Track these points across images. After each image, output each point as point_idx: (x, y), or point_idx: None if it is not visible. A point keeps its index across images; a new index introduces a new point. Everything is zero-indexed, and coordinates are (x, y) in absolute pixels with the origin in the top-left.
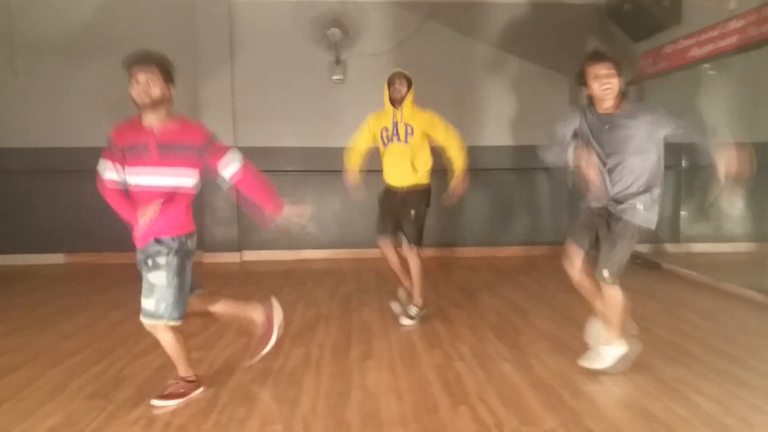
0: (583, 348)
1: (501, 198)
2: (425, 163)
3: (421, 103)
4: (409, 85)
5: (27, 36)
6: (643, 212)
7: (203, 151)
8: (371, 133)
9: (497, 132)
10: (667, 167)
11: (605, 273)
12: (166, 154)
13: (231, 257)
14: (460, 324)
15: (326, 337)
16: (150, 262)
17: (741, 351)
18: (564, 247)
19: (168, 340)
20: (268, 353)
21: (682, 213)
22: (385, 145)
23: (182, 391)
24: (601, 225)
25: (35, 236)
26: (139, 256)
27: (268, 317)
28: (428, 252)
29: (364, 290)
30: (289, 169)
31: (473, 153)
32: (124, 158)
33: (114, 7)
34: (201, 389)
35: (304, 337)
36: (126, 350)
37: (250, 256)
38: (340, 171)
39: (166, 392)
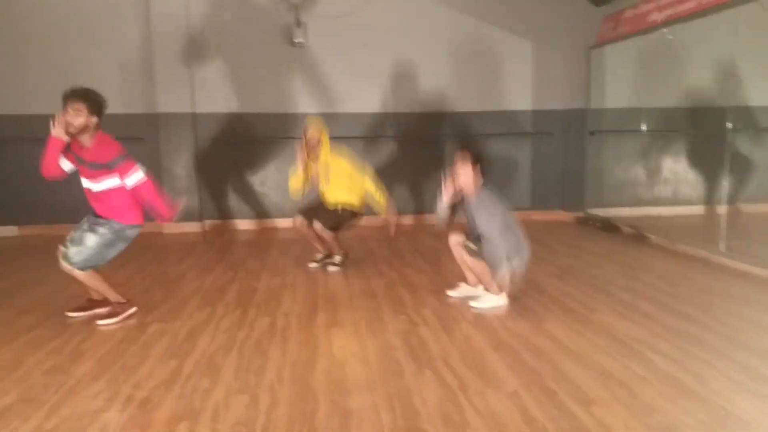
0: (544, 311)
1: None
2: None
3: (388, 66)
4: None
5: None
6: None
7: (113, 166)
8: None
9: (459, 97)
10: (627, 132)
11: None
12: (89, 168)
13: (192, 227)
14: (424, 290)
15: (292, 306)
16: (93, 226)
17: (694, 310)
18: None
19: (87, 277)
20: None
21: (641, 177)
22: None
23: (119, 310)
24: None
25: None
26: (88, 219)
27: (121, 306)
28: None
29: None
30: (249, 136)
31: (435, 119)
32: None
33: None
34: (134, 309)
35: (269, 307)
36: (84, 324)
37: (211, 225)
38: (300, 137)
39: (107, 313)
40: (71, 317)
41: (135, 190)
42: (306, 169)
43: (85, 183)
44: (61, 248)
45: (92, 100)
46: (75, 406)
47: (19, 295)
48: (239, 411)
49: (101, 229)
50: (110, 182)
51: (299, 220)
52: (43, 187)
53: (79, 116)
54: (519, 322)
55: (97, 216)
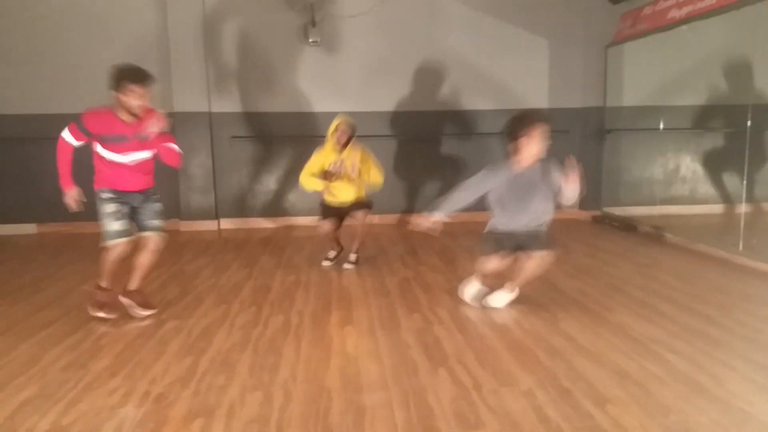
0: (559, 310)
1: (479, 163)
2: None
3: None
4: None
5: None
6: None
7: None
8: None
9: (476, 95)
10: (644, 130)
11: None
12: (139, 140)
13: (208, 225)
14: (438, 289)
15: (306, 304)
16: (152, 197)
17: (712, 310)
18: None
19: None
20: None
21: (659, 176)
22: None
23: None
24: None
25: (6, 207)
26: (136, 196)
27: (112, 299)
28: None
29: (342, 257)
30: (264, 135)
31: (452, 117)
32: (93, 140)
33: None
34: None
35: (284, 304)
36: (102, 320)
37: (227, 224)
38: (316, 136)
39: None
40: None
41: (164, 139)
42: (324, 160)
43: (127, 158)
44: (154, 232)
45: (150, 78)
46: (92, 401)
47: (37, 291)
48: (254, 408)
49: (156, 197)
50: (148, 152)
51: (328, 224)
52: None
53: (145, 96)
54: (534, 321)
55: (142, 189)
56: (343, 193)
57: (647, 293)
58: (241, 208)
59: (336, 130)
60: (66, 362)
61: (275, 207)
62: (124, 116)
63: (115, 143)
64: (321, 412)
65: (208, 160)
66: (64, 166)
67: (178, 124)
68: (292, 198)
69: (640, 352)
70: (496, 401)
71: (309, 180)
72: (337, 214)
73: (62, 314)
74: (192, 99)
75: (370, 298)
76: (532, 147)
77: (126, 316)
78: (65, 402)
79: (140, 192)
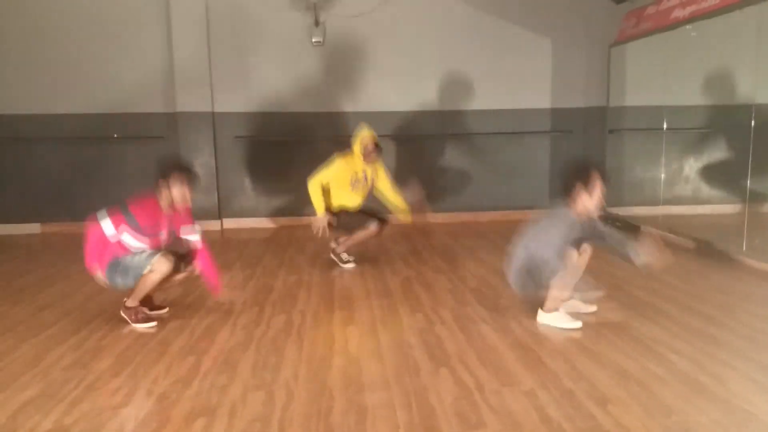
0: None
1: (481, 163)
2: None
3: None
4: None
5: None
6: None
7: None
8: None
9: (478, 95)
10: (647, 130)
11: None
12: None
13: (211, 225)
14: (441, 288)
15: (308, 304)
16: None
17: (714, 310)
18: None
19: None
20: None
21: (662, 176)
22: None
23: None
24: None
25: (9, 206)
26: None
27: (139, 315)
28: (408, 218)
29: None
30: (268, 135)
31: (455, 117)
32: (130, 226)
33: None
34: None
35: (286, 304)
36: (104, 320)
37: (230, 223)
38: (319, 137)
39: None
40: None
41: (204, 257)
42: (348, 171)
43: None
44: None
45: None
46: (94, 401)
47: (40, 291)
48: (256, 407)
49: None
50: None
51: (327, 220)
52: (66, 185)
53: (189, 195)
54: (536, 321)
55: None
56: (354, 203)
57: (649, 293)
58: (243, 208)
59: (365, 142)
60: (68, 362)
61: (278, 207)
62: (164, 205)
63: (147, 235)
64: (323, 412)
65: (211, 159)
66: (93, 250)
67: (182, 124)
68: (294, 198)
69: (642, 352)
70: (498, 401)
71: (317, 192)
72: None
73: (65, 314)
74: (195, 99)
75: (372, 297)
76: (591, 202)
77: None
78: (67, 402)
79: None
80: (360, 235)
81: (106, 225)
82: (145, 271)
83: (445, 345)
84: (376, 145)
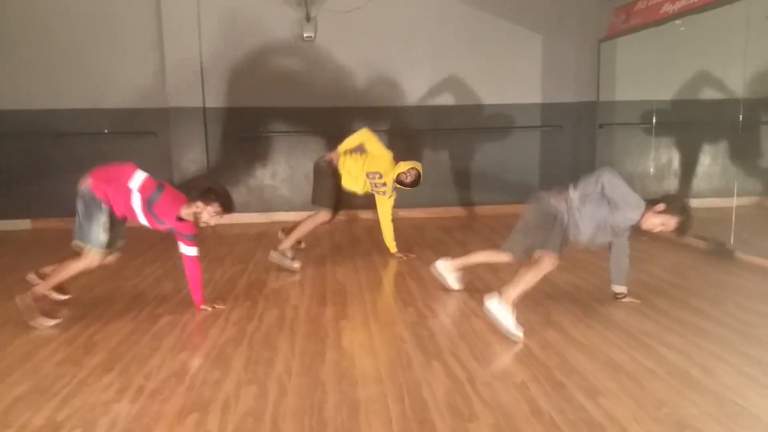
0: (552, 303)
1: (472, 158)
2: None
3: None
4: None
5: None
6: None
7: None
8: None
9: (469, 90)
10: (637, 125)
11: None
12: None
13: None
14: (433, 283)
15: (300, 299)
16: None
17: (706, 303)
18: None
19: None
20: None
21: (651, 170)
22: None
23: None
24: None
25: (0, 202)
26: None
27: (49, 305)
28: (401, 213)
29: (337, 251)
30: (258, 130)
31: (446, 112)
32: (148, 196)
33: None
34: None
35: (278, 299)
36: (96, 316)
37: (222, 219)
38: (310, 132)
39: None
40: None
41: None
42: (377, 166)
43: (146, 222)
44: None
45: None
46: (86, 397)
47: (32, 287)
48: (249, 402)
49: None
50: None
51: (329, 215)
52: (56, 180)
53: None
54: (527, 314)
55: (123, 222)
56: (351, 187)
57: (640, 287)
58: (235, 204)
59: (414, 173)
60: (60, 358)
61: (269, 202)
62: (185, 214)
63: (147, 216)
64: (316, 406)
65: (202, 155)
66: (108, 176)
67: (173, 120)
68: (285, 193)
69: (633, 345)
70: (490, 394)
71: (358, 138)
72: (338, 202)
73: (56, 310)
74: (187, 94)
75: (364, 292)
76: (660, 226)
77: (121, 311)
78: (60, 398)
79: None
80: (309, 223)
81: (139, 175)
82: (84, 247)
83: (438, 338)
84: (414, 183)
